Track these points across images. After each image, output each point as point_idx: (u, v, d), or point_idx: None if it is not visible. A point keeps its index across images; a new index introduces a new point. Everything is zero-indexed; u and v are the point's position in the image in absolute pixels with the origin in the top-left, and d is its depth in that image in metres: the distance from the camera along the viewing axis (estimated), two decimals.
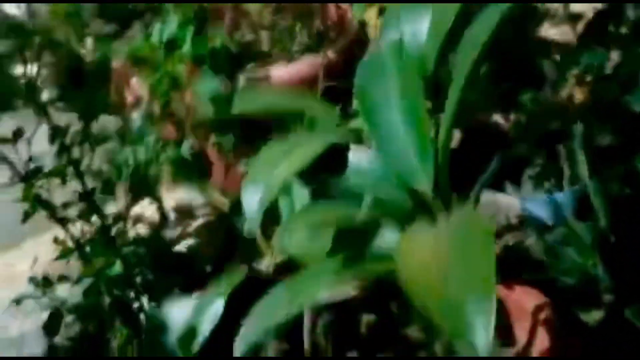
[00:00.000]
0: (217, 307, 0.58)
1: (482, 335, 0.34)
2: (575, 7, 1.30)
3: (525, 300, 0.88)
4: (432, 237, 0.41)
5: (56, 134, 0.87)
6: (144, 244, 1.17)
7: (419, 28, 0.49)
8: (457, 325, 0.34)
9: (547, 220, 1.16)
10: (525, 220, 1.22)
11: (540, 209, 1.19)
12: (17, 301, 0.98)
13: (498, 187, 1.36)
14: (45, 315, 0.97)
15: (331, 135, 0.55)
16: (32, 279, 0.99)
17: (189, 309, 0.59)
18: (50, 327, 0.97)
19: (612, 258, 0.94)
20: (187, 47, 0.72)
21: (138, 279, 1.05)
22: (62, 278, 1.01)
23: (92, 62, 0.75)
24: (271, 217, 0.80)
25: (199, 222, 1.29)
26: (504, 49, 1.33)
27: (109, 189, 0.92)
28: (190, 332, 0.59)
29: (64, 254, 1.01)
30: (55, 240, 1.06)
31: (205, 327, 0.58)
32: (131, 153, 0.81)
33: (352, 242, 0.47)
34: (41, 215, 0.99)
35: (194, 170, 0.79)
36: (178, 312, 0.61)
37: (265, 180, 0.50)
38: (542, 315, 0.84)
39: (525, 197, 1.25)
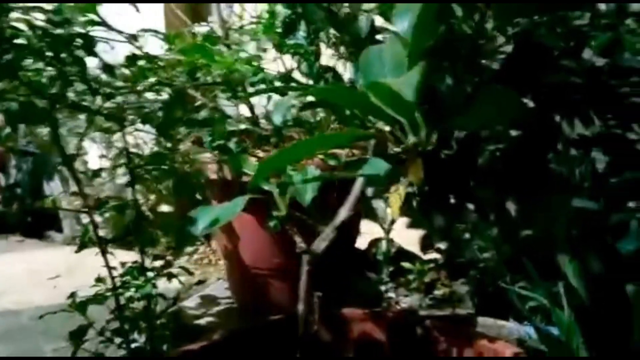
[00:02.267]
0: (239, 204, 0.75)
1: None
2: None
3: (503, 350, 0.96)
4: None
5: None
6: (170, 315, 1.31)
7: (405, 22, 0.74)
8: None
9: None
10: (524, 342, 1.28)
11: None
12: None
13: (502, 316, 1.45)
14: None
15: None
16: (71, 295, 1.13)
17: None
18: (76, 334, 1.08)
19: (593, 333, 1.01)
20: None
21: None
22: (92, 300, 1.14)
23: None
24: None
25: (221, 307, 1.42)
26: None
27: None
28: (215, 221, 0.75)
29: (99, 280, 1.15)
30: (99, 279, 1.21)
31: (227, 217, 0.75)
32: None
33: None
34: None
35: None
36: (207, 214, 0.76)
37: None
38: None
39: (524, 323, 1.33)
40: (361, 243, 1.98)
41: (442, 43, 0.85)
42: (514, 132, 1.51)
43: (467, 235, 1.83)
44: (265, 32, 1.21)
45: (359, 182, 0.84)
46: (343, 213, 0.84)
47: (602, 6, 1.39)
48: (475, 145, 1.54)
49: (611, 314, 1.10)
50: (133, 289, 1.14)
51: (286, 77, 1.26)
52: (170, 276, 1.17)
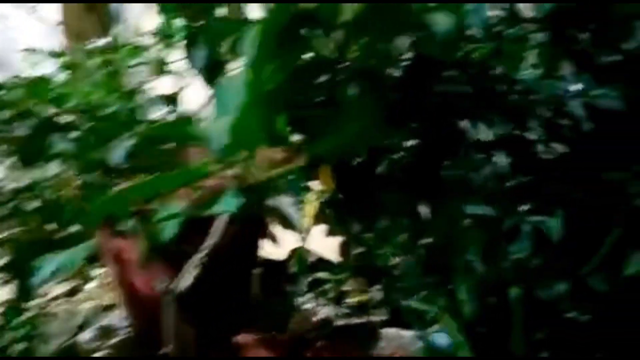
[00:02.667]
0: (82, 252, 0.72)
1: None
2: None
3: None
4: None
5: None
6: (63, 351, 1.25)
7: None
8: None
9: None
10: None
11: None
12: None
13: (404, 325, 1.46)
14: None
15: None
16: None
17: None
18: None
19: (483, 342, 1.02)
20: None
21: None
22: None
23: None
24: None
25: (119, 338, 1.37)
26: None
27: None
28: (56, 271, 0.71)
29: None
30: None
31: (70, 266, 0.72)
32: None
33: None
34: None
35: None
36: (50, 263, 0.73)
37: None
38: None
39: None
40: (281, 254, 1.95)
41: (300, 67, 0.84)
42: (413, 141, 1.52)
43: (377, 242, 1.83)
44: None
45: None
46: (207, 245, 0.81)
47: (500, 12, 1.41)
48: (378, 153, 1.54)
49: (501, 321, 1.12)
50: (11, 331, 1.09)
51: (172, 98, 1.23)
52: (51, 314, 1.12)
